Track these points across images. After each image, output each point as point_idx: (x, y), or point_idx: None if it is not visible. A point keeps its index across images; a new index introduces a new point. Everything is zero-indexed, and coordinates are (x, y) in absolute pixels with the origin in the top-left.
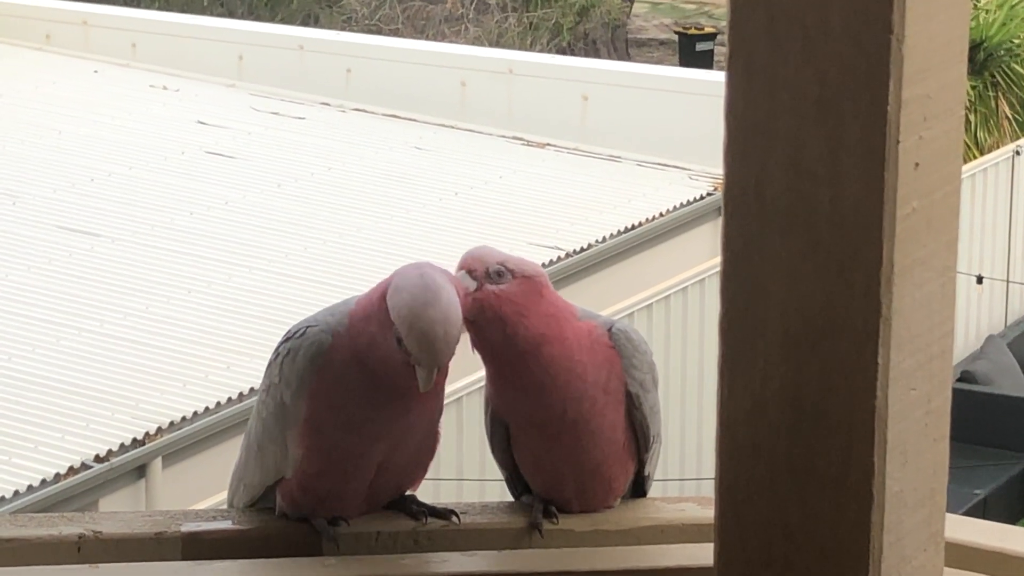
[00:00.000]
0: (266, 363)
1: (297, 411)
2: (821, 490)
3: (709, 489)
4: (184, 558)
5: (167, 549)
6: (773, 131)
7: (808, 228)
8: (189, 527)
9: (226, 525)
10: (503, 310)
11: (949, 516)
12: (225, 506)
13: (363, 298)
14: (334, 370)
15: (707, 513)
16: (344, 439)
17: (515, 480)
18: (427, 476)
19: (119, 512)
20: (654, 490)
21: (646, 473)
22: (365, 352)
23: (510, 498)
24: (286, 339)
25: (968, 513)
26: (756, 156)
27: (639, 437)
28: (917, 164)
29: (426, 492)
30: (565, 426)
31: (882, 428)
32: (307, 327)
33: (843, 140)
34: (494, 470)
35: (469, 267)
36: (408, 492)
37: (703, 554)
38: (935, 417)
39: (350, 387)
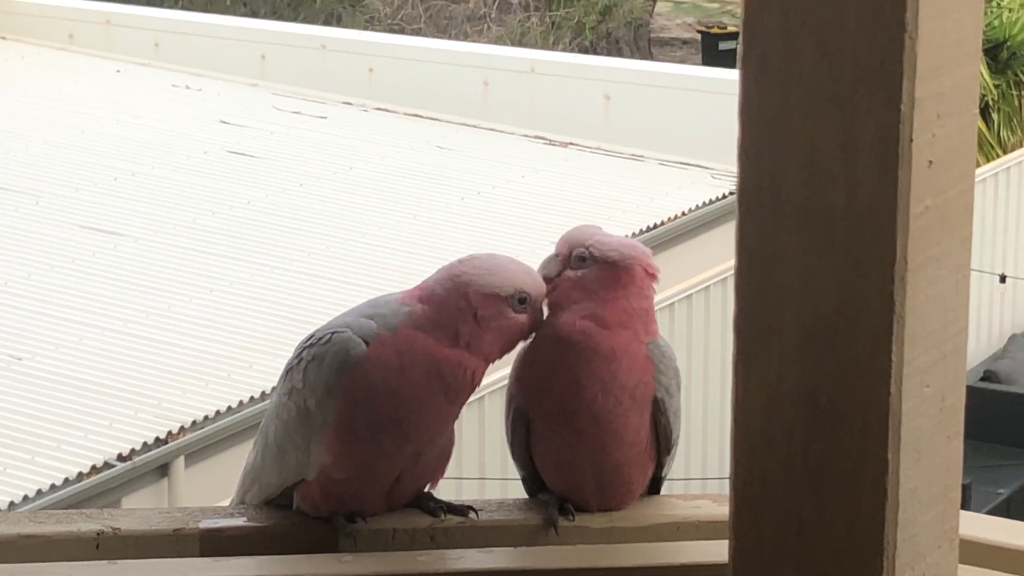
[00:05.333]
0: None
1: (324, 418)
2: (836, 487)
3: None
4: (202, 554)
5: (185, 545)
6: (787, 129)
7: (822, 226)
8: (207, 524)
9: (244, 522)
10: (572, 294)
11: (964, 513)
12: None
13: (429, 298)
14: (369, 377)
15: (722, 510)
16: (377, 444)
17: (532, 480)
18: (449, 475)
19: (138, 509)
20: (675, 488)
21: (663, 474)
22: (428, 351)
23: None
24: (310, 344)
25: (991, 512)
26: (770, 154)
27: (661, 440)
28: (931, 162)
29: (448, 490)
30: (588, 421)
31: (896, 425)
32: (332, 332)
33: (857, 138)
34: (516, 469)
35: (558, 250)
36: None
37: (718, 551)
38: (949, 414)
39: (387, 392)
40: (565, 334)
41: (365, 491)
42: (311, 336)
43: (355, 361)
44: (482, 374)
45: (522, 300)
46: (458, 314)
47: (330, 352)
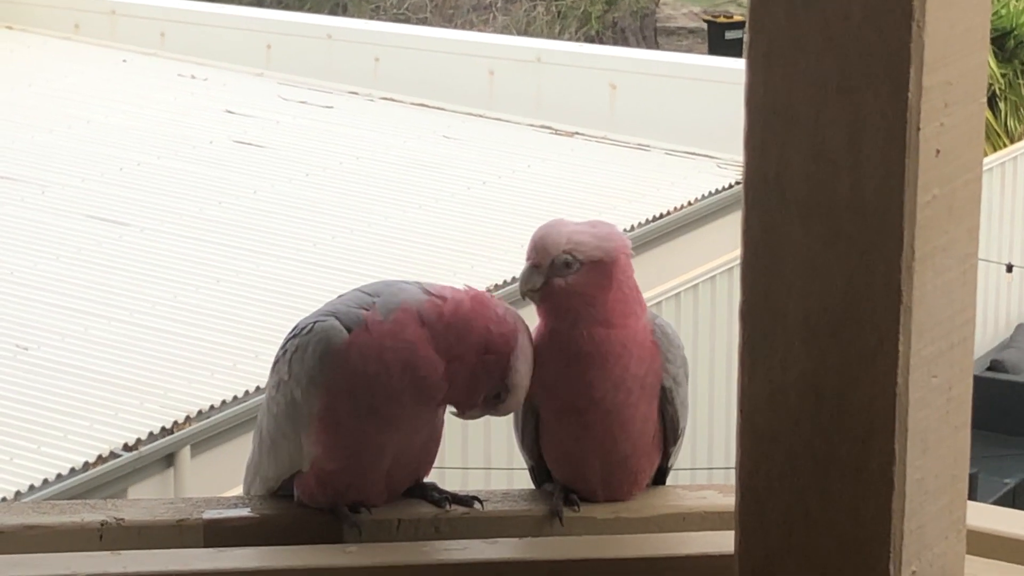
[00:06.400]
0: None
1: (310, 408)
2: (842, 477)
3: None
4: (206, 545)
5: (189, 536)
6: (793, 118)
7: (829, 216)
8: (211, 514)
9: (247, 512)
10: (570, 303)
11: (971, 504)
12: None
13: (451, 313)
14: (350, 365)
15: (728, 501)
16: (361, 433)
17: (539, 470)
18: (454, 465)
19: (141, 499)
20: (681, 478)
21: (669, 465)
22: (413, 342)
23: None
24: (293, 335)
25: (997, 502)
26: (776, 144)
27: (668, 430)
28: (938, 151)
29: (453, 481)
30: (598, 415)
31: (903, 416)
32: (314, 322)
33: (864, 127)
34: (521, 459)
35: (535, 260)
36: (428, 480)
37: (724, 541)
38: (956, 404)
39: (368, 382)
40: (577, 346)
41: (361, 480)
42: (296, 326)
43: (336, 350)
44: (445, 383)
45: (497, 396)
46: (449, 344)
47: (312, 342)
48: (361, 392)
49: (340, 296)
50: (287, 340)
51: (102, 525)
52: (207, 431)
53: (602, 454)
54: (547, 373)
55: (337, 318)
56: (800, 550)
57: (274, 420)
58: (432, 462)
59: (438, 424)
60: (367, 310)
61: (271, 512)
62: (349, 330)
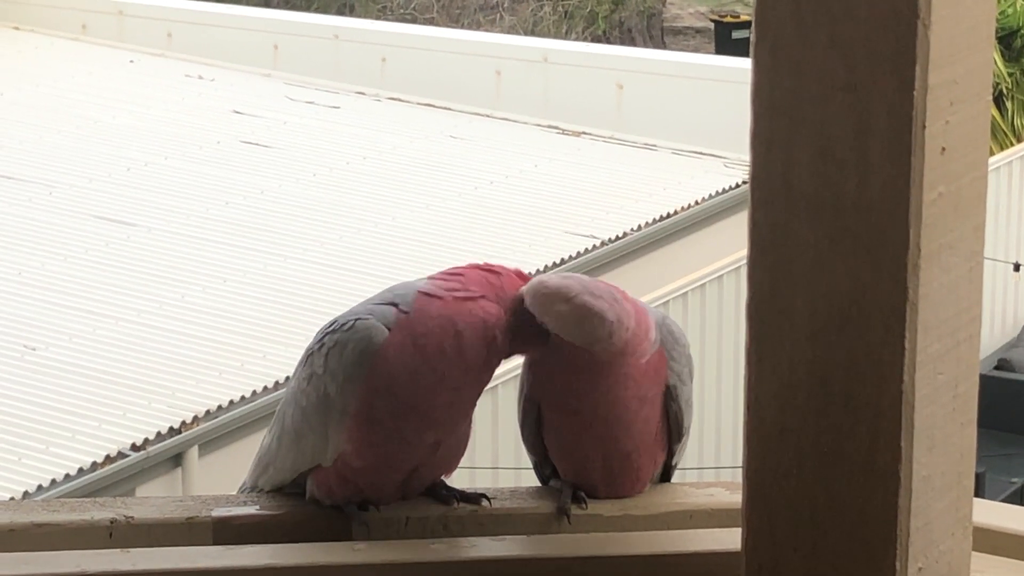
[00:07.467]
0: (303, 351)
1: (344, 405)
2: (848, 474)
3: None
4: (215, 543)
5: (198, 534)
6: (799, 116)
7: (835, 213)
8: (220, 512)
9: (256, 510)
10: None
11: (977, 501)
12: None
13: (455, 287)
14: (391, 363)
15: (735, 498)
16: (396, 432)
17: (543, 465)
18: (462, 463)
19: (150, 497)
20: (689, 478)
21: (673, 463)
22: (440, 311)
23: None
24: (332, 330)
25: (1005, 501)
26: (782, 142)
27: (672, 428)
28: (944, 149)
29: (461, 479)
30: (596, 417)
31: (909, 413)
32: (356, 319)
33: (869, 125)
34: (527, 455)
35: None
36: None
37: (731, 539)
38: (962, 402)
39: (406, 377)
40: (574, 357)
41: (382, 479)
42: (334, 322)
43: (377, 348)
44: (496, 326)
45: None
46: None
47: (352, 339)
48: (403, 389)
49: (362, 303)
50: (324, 334)
51: (112, 523)
52: (215, 431)
53: (603, 450)
54: (543, 371)
55: (374, 317)
56: (806, 547)
57: (301, 412)
58: (455, 466)
59: (467, 429)
60: (395, 305)
61: (280, 510)
62: (388, 329)
